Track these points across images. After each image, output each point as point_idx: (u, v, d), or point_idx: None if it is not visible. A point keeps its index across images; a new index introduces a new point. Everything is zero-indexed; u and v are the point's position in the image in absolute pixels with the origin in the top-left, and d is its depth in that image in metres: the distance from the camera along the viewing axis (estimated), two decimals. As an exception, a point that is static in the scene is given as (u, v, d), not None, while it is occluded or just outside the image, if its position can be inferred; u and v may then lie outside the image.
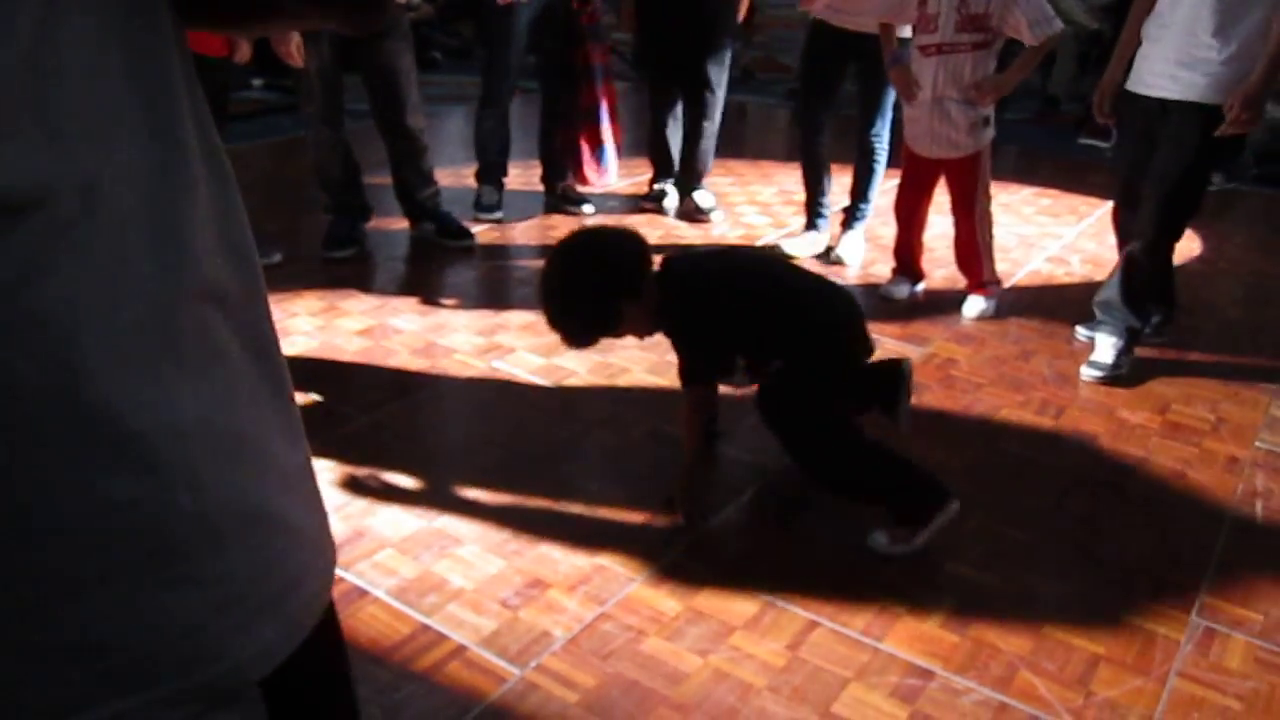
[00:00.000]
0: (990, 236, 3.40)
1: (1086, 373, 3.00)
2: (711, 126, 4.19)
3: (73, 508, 0.63)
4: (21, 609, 0.64)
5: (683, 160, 4.29)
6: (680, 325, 2.20)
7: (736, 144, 5.42)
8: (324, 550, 0.86)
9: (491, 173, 4.16)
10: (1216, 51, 2.67)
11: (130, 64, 0.63)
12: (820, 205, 3.95)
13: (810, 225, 3.99)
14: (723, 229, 4.20)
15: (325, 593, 0.85)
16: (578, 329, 2.15)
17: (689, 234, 4.13)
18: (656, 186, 4.43)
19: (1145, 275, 2.97)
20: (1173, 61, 2.76)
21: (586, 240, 2.17)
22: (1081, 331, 3.26)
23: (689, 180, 4.29)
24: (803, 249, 3.90)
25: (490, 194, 4.17)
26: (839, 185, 3.92)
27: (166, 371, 0.65)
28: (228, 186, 0.74)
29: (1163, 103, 2.80)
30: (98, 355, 0.61)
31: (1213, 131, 2.71)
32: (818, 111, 3.79)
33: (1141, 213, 2.91)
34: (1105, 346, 3.02)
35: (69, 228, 0.59)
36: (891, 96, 3.66)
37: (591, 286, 2.09)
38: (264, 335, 0.77)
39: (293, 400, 0.82)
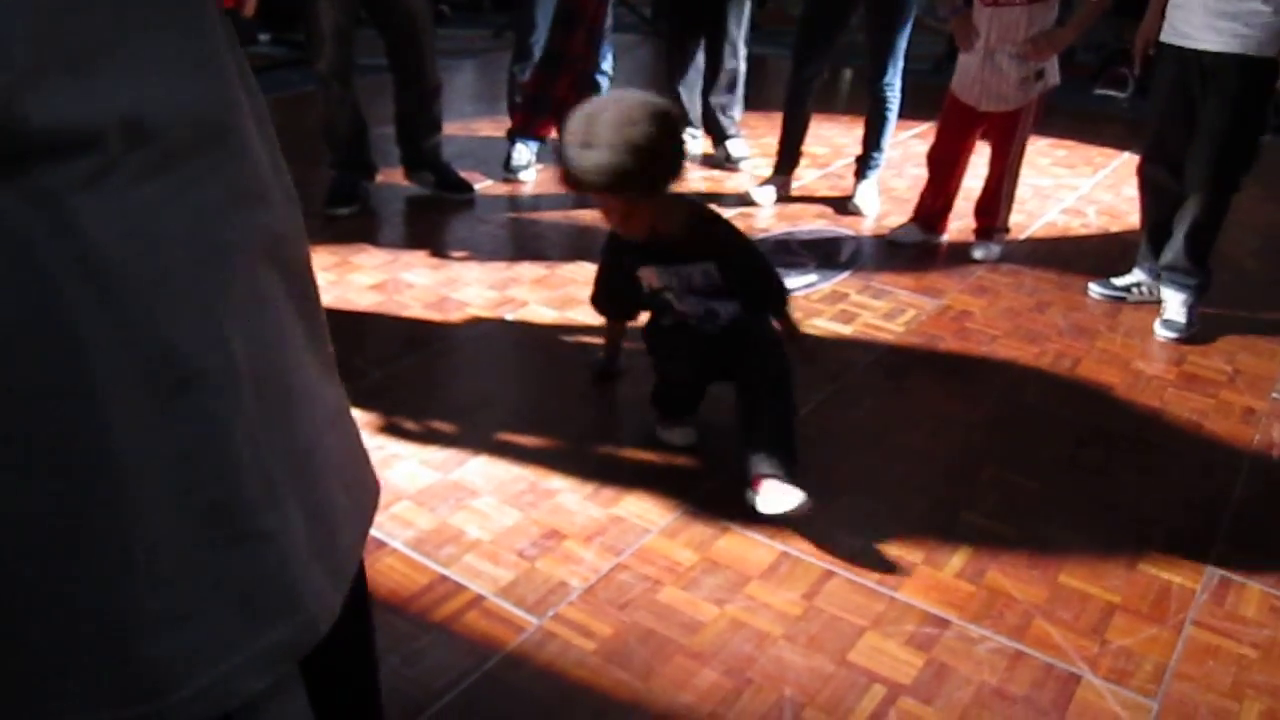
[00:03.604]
0: (1015, 187, 3.40)
1: (1162, 333, 2.98)
2: (738, 73, 4.18)
3: (137, 459, 0.59)
4: (85, 577, 0.60)
5: (711, 112, 4.28)
6: (744, 248, 2.27)
7: (748, 96, 5.35)
8: (366, 490, 0.83)
9: (523, 129, 4.05)
10: (1262, 0, 2.60)
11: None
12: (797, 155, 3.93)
13: (777, 172, 3.95)
14: (738, 180, 4.16)
15: (363, 540, 0.83)
16: (633, 179, 2.00)
17: (699, 185, 4.10)
18: None
19: (1207, 235, 2.94)
20: (1213, 12, 2.68)
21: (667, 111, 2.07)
22: (1095, 289, 3.22)
23: (722, 130, 4.29)
24: (766, 198, 3.89)
25: (522, 153, 4.06)
26: (852, 137, 3.87)
27: (221, 312, 0.62)
28: (268, 125, 0.71)
29: (1200, 55, 2.74)
30: (152, 294, 0.58)
31: (1261, 85, 2.66)
32: (815, 59, 3.71)
33: (1192, 172, 2.87)
34: (1177, 305, 2.99)
35: (116, 167, 0.56)
36: (904, 44, 3.60)
37: (670, 149, 2.03)
38: (308, 277, 0.75)
39: (328, 340, 0.80)
